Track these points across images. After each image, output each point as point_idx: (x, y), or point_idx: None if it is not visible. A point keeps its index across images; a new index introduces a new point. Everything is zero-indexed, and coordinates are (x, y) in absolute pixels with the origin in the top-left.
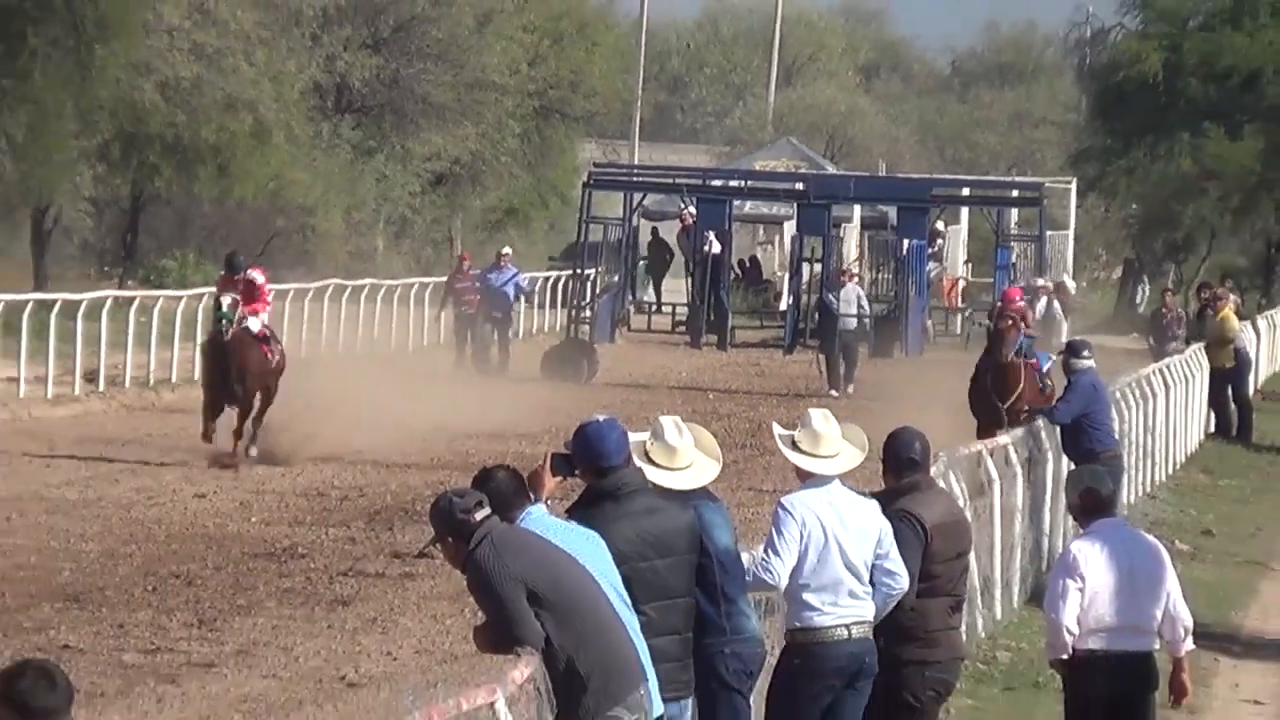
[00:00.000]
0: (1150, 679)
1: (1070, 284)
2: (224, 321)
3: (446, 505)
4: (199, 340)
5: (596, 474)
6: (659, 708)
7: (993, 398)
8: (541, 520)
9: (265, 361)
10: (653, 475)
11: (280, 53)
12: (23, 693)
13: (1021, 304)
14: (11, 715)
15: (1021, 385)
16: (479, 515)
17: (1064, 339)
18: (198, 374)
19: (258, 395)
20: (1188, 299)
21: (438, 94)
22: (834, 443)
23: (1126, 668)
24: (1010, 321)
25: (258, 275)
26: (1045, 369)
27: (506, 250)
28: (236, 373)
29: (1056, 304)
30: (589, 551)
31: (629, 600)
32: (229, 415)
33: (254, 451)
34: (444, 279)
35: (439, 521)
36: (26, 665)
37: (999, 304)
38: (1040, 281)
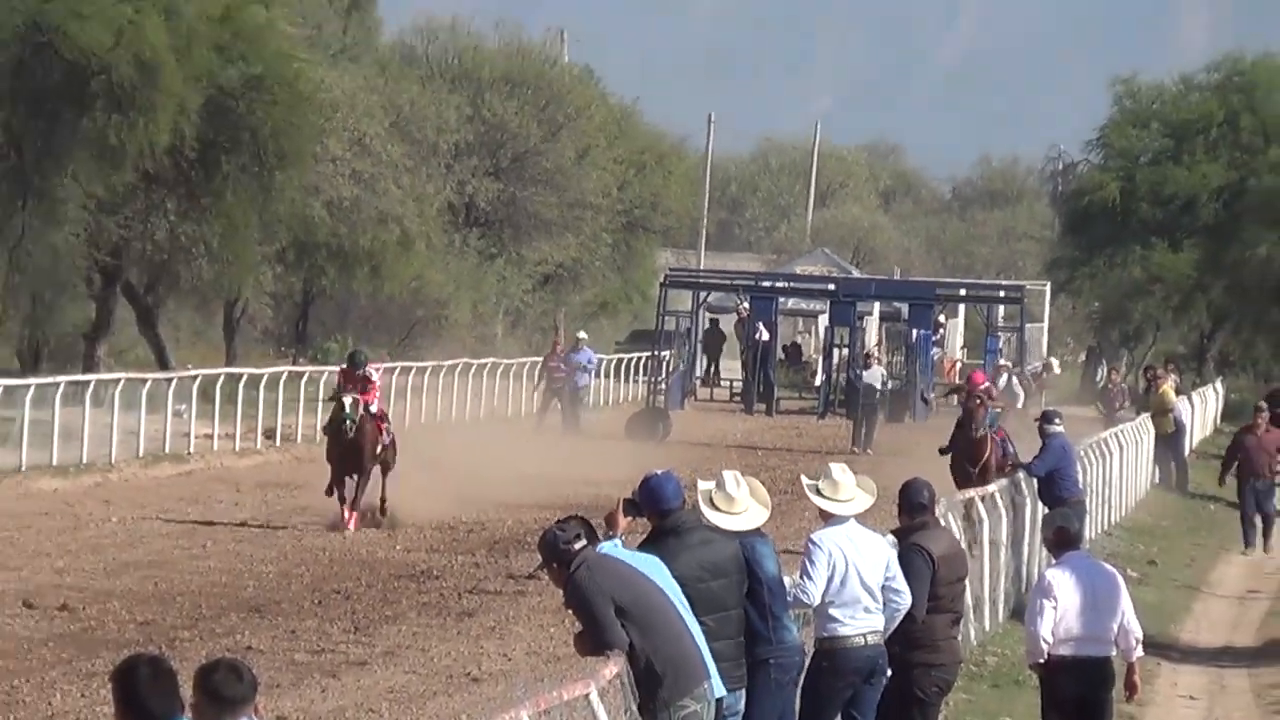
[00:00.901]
0: (1109, 679)
1: (1055, 364)
2: (348, 422)
3: (551, 538)
4: (323, 424)
5: (660, 515)
6: (720, 692)
7: (966, 464)
8: (615, 552)
9: (379, 436)
10: (715, 518)
11: (421, 178)
12: (216, 684)
13: (987, 385)
14: (207, 702)
15: (989, 452)
16: (577, 545)
17: (1020, 406)
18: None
19: (376, 467)
20: (1137, 378)
21: (546, 211)
22: (850, 490)
23: (1090, 670)
24: (979, 401)
25: (373, 372)
26: (1011, 448)
27: (583, 335)
28: (356, 449)
29: (1015, 379)
30: (656, 572)
31: (692, 612)
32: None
33: (385, 513)
34: None
35: (545, 550)
36: (219, 662)
37: (967, 387)
38: (1002, 361)
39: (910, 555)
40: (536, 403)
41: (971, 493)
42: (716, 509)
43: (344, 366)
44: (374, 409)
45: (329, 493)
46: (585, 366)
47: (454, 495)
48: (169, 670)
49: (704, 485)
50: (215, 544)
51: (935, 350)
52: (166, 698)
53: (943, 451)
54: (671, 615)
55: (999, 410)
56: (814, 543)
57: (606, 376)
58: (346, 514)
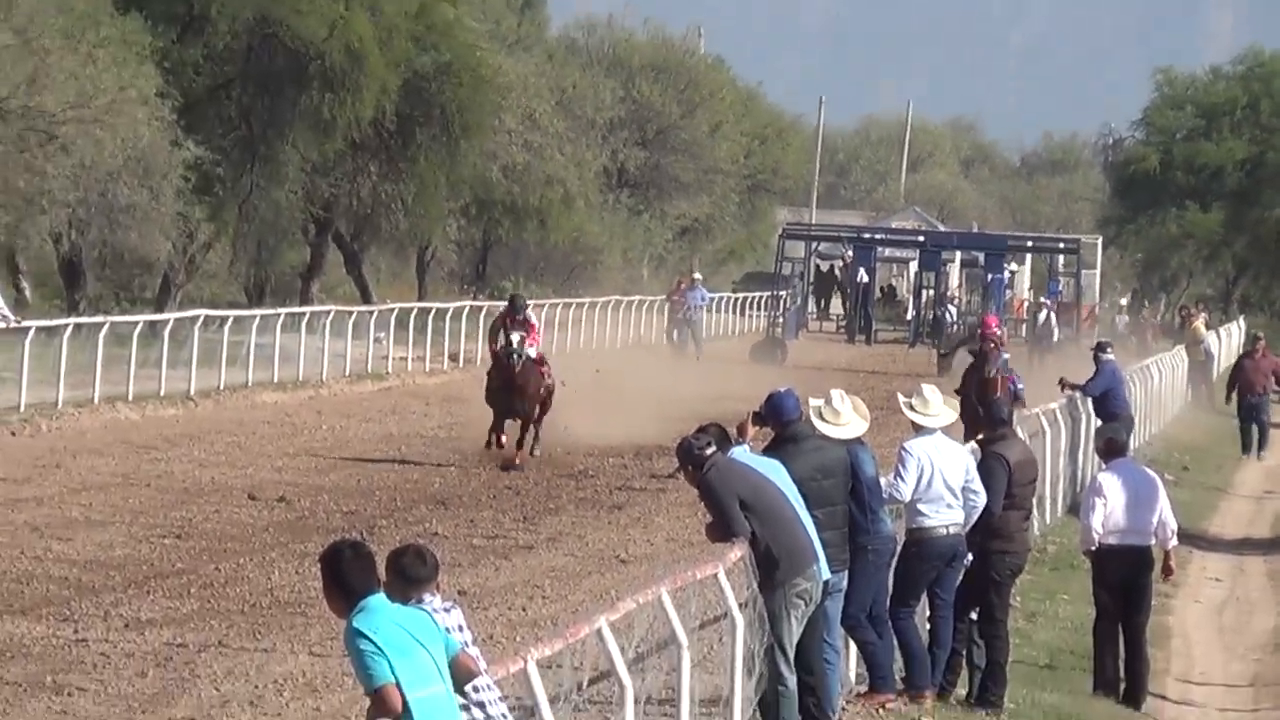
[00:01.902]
0: (1149, 563)
1: (1123, 304)
2: (514, 356)
3: (687, 445)
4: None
5: (781, 425)
6: (826, 575)
7: (976, 404)
8: (744, 455)
9: (542, 380)
10: (823, 428)
11: (581, 147)
12: (404, 566)
13: (999, 331)
14: (397, 580)
15: (998, 392)
16: (708, 451)
17: (1055, 339)
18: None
19: (537, 407)
20: (1173, 316)
21: (684, 175)
22: (938, 407)
23: (1133, 556)
24: (992, 344)
25: (533, 316)
26: (1019, 387)
27: (698, 275)
28: (519, 391)
29: (1052, 315)
30: (775, 473)
31: (805, 506)
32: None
33: (538, 451)
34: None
35: (681, 455)
36: (408, 547)
37: (980, 330)
38: (1044, 299)
39: (990, 461)
40: (666, 332)
41: (1038, 409)
42: (825, 420)
43: (503, 310)
44: (535, 354)
45: (489, 444)
46: (698, 304)
47: (609, 409)
48: (368, 553)
49: (815, 401)
50: (408, 448)
51: (1007, 291)
52: (365, 576)
53: (956, 393)
54: (787, 509)
55: (1009, 355)
56: (906, 450)
57: (727, 312)
58: (517, 452)
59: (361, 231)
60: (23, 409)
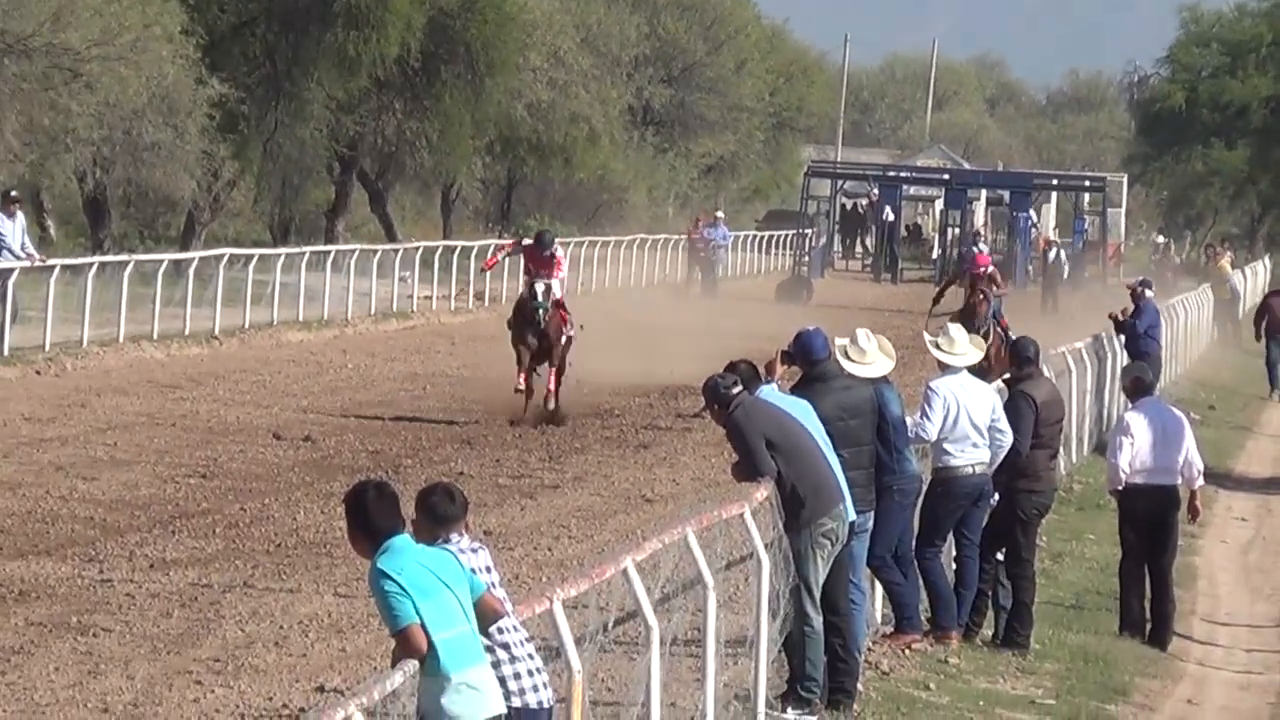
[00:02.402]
0: (1175, 503)
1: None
2: (540, 311)
3: (713, 384)
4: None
5: (809, 364)
6: (852, 515)
7: None
8: (772, 394)
9: (562, 327)
10: (849, 367)
11: (606, 85)
12: (432, 505)
13: (990, 269)
14: (426, 519)
15: (991, 344)
16: (734, 390)
17: (1065, 277)
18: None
19: (558, 354)
20: (1199, 254)
21: (709, 113)
22: (964, 346)
23: (1160, 495)
24: (981, 296)
25: (559, 250)
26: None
27: (720, 213)
28: (544, 339)
29: (1062, 252)
30: (802, 413)
31: (831, 446)
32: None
33: (552, 404)
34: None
35: (708, 394)
36: (436, 486)
37: (966, 268)
38: (1053, 238)
39: (1017, 400)
40: (683, 270)
41: (1064, 347)
42: (850, 359)
43: (529, 245)
44: (557, 293)
45: (519, 389)
46: (720, 242)
47: (634, 349)
48: (392, 493)
49: (840, 340)
50: (433, 387)
51: (1032, 230)
52: (389, 516)
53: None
54: (813, 449)
55: (1001, 297)
56: (932, 389)
57: (751, 250)
58: (546, 397)
59: (386, 170)
60: (48, 348)
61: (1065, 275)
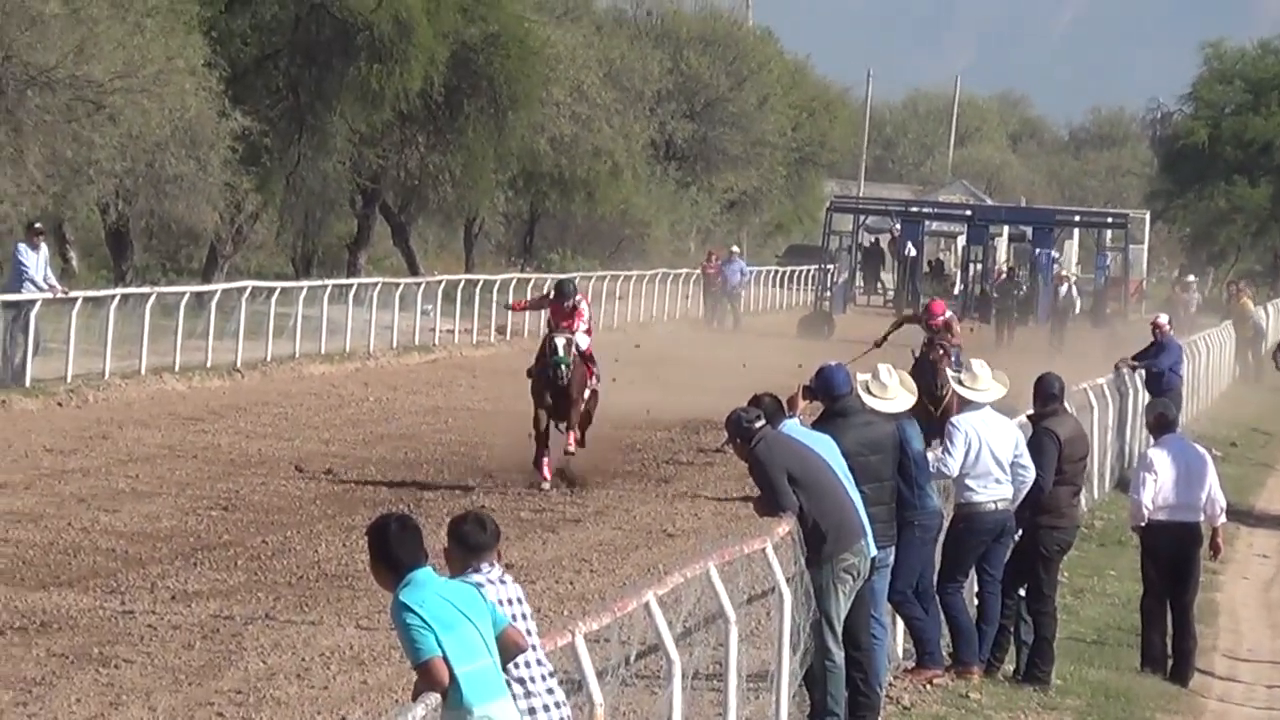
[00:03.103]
0: (1198, 539)
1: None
2: (562, 367)
3: (736, 418)
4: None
5: (831, 400)
6: (873, 551)
7: (927, 403)
8: (795, 429)
9: (587, 380)
10: (871, 402)
11: (629, 119)
12: (465, 533)
13: (948, 316)
14: (457, 547)
15: (949, 398)
16: (758, 424)
17: (1076, 312)
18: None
19: (579, 412)
20: (1221, 292)
21: (732, 148)
22: (987, 381)
23: (1182, 532)
24: (941, 351)
25: (583, 304)
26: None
27: (735, 249)
28: (565, 396)
29: (1073, 288)
30: (825, 448)
31: (853, 481)
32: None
33: (571, 449)
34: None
35: (731, 427)
36: (468, 514)
37: (926, 319)
38: (1064, 272)
39: (1041, 437)
40: (703, 306)
41: (1085, 384)
42: (872, 394)
43: (550, 299)
44: (584, 345)
45: (535, 441)
46: (737, 279)
47: (656, 382)
48: (415, 526)
49: (862, 376)
50: (455, 420)
51: (1055, 266)
52: (412, 549)
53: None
54: (836, 484)
55: (959, 345)
56: (954, 425)
57: (772, 285)
58: (546, 468)
59: (409, 203)
60: (69, 379)
61: (1076, 311)
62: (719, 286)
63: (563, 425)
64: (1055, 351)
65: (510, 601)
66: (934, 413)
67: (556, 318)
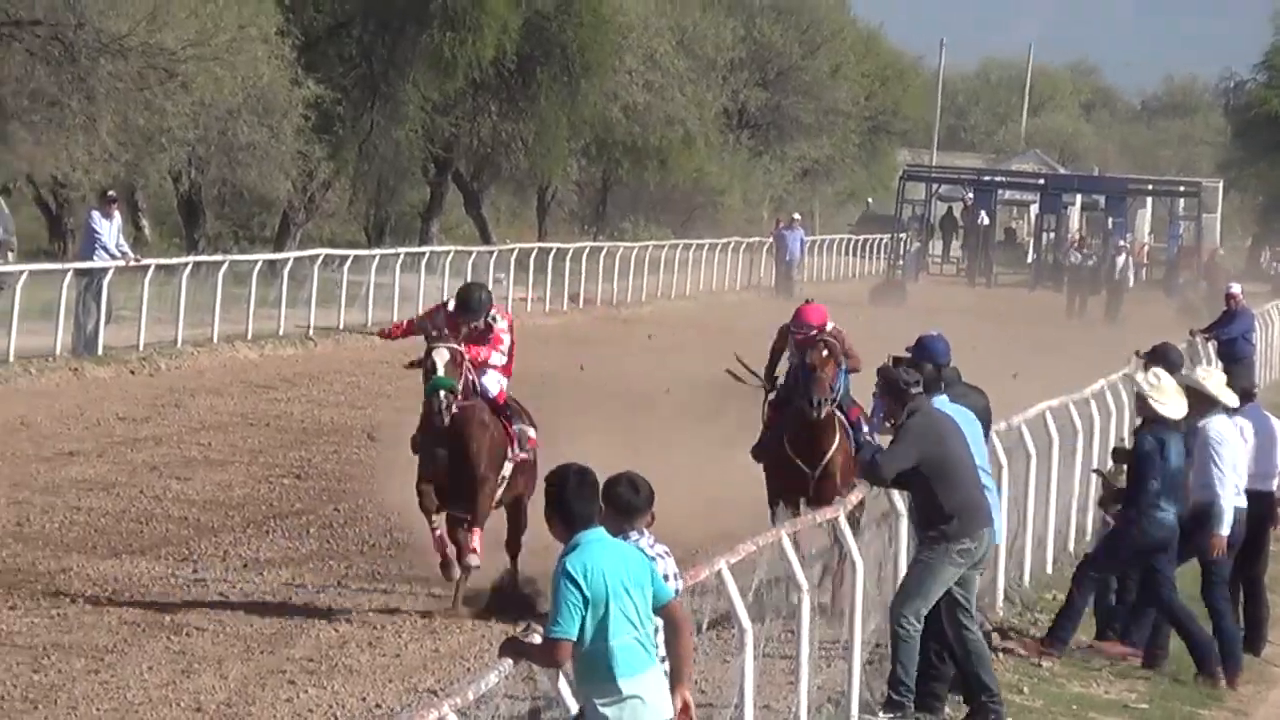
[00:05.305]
0: (1272, 509)
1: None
2: (441, 393)
3: (895, 375)
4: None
5: (935, 369)
6: (999, 539)
7: (798, 461)
8: (943, 404)
9: (509, 447)
10: (1147, 393)
11: (701, 88)
12: (618, 495)
13: (831, 329)
14: (611, 510)
15: (833, 444)
16: (915, 389)
17: (1130, 287)
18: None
19: (489, 500)
20: None
21: (804, 117)
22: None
23: (1256, 501)
24: (826, 353)
25: (502, 321)
26: (867, 430)
27: (797, 216)
28: (460, 457)
29: (1130, 260)
30: (967, 425)
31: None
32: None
33: (476, 561)
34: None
35: (887, 383)
36: (621, 475)
37: (796, 333)
38: (1121, 243)
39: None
40: (774, 275)
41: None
42: (1153, 399)
43: (446, 311)
44: (493, 387)
45: (441, 560)
46: (803, 243)
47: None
48: (593, 481)
49: (1139, 375)
50: (526, 387)
51: (1128, 234)
52: (587, 504)
53: (755, 452)
54: (969, 468)
55: (852, 371)
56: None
57: (844, 254)
58: (454, 547)
59: (481, 171)
60: (142, 348)
61: (1130, 284)
62: (780, 254)
63: (466, 519)
64: (1110, 323)
65: (672, 577)
66: (809, 473)
67: (452, 335)
